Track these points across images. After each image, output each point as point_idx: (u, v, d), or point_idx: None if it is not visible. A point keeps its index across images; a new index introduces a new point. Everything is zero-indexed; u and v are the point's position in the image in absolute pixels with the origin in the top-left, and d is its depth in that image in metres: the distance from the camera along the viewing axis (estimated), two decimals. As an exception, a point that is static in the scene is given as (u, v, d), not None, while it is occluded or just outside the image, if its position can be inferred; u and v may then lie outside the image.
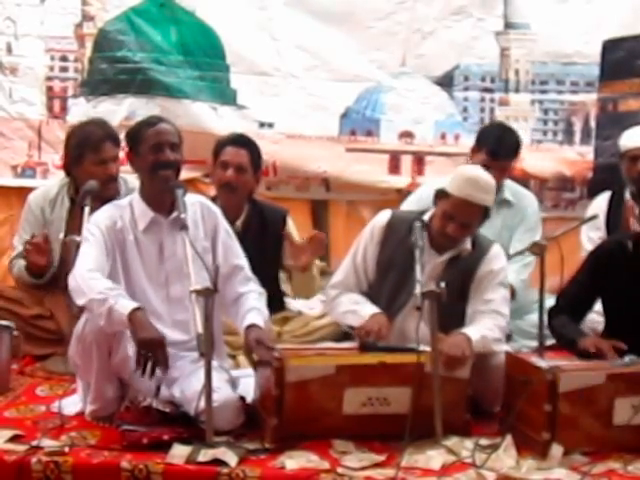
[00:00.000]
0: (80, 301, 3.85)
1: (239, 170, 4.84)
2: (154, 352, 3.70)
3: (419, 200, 5.00)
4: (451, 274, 4.19)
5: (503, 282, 4.29)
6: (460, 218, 4.16)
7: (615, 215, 5.02)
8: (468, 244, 4.26)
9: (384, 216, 4.37)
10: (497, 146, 5.13)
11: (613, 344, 3.99)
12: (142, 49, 5.97)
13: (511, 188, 5.27)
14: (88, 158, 4.89)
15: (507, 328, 4.26)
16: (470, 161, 5.28)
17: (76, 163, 4.96)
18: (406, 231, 4.22)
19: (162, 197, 4.04)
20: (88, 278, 3.84)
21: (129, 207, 4.08)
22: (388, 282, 4.31)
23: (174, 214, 3.99)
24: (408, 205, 5.10)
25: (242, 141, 4.94)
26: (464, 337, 3.98)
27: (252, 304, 4.06)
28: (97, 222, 4.05)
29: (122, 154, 4.85)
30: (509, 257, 5.11)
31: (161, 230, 4.06)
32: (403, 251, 4.22)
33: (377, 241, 4.33)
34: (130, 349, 3.88)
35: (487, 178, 4.22)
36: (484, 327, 4.12)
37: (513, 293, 5.13)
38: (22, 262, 4.92)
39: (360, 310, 4.25)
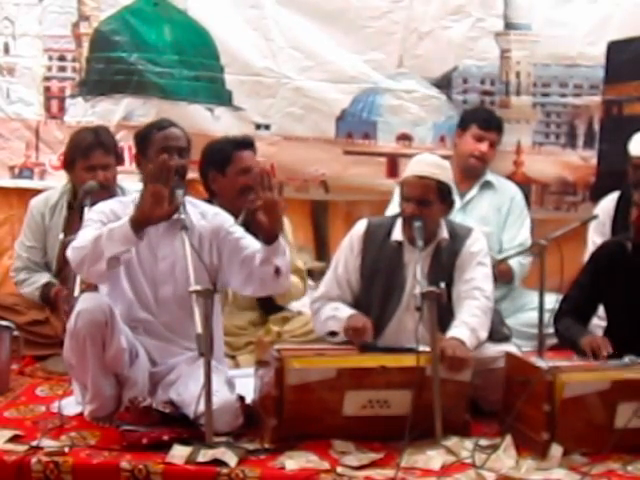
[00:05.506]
0: (81, 263, 3.84)
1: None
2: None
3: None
4: (437, 267, 4.22)
5: (482, 261, 4.30)
6: (414, 195, 4.20)
7: (622, 218, 4.97)
8: (445, 233, 4.29)
9: (361, 226, 4.41)
10: (488, 116, 5.53)
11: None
12: (137, 49, 5.90)
13: (493, 174, 5.56)
14: (79, 164, 4.97)
15: (491, 301, 4.25)
16: (458, 141, 5.52)
17: (70, 168, 5.06)
18: (384, 235, 4.32)
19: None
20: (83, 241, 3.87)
21: (132, 204, 4.07)
22: (376, 287, 4.33)
23: (173, 217, 4.01)
24: (393, 209, 5.09)
25: (251, 143, 5.02)
26: (458, 342, 3.97)
27: None
28: (98, 210, 4.10)
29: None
30: (500, 249, 5.21)
31: (158, 230, 4.07)
32: (385, 254, 4.30)
33: (358, 251, 4.36)
34: (124, 341, 3.90)
35: (435, 157, 4.36)
36: (468, 315, 4.12)
37: (512, 276, 5.20)
38: (37, 287, 4.96)
39: (339, 314, 4.27)
